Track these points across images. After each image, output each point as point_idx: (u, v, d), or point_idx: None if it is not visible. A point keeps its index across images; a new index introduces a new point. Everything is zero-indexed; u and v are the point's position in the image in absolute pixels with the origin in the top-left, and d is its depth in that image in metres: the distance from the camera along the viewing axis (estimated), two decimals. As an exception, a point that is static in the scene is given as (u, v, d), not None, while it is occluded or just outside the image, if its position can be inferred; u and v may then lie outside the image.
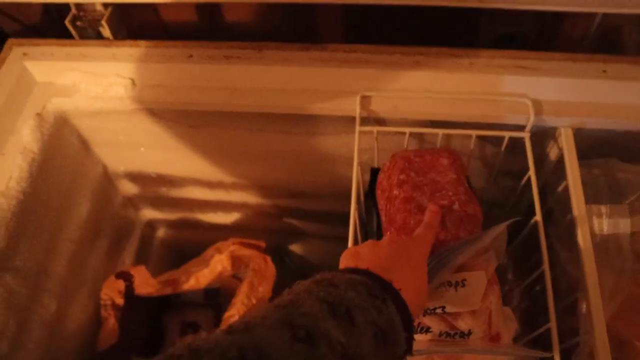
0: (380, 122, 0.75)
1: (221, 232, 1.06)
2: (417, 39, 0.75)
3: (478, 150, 0.79)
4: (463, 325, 0.59)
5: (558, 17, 0.78)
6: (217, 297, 1.12)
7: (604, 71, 0.71)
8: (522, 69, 0.72)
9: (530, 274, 0.70)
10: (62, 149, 0.82)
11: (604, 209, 0.65)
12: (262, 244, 0.94)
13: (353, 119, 0.72)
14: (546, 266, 0.63)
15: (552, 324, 0.60)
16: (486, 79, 0.72)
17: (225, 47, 0.76)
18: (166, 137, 0.84)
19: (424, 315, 0.60)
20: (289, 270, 1.20)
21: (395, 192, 0.67)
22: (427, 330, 0.59)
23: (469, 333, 0.59)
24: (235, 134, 0.81)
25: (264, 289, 0.90)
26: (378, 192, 0.71)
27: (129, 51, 0.78)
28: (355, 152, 0.70)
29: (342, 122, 0.77)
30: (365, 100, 0.73)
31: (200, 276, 0.97)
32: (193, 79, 0.76)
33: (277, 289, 0.93)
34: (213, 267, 0.96)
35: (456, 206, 0.66)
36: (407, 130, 0.72)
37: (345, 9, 0.80)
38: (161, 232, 1.21)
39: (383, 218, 0.69)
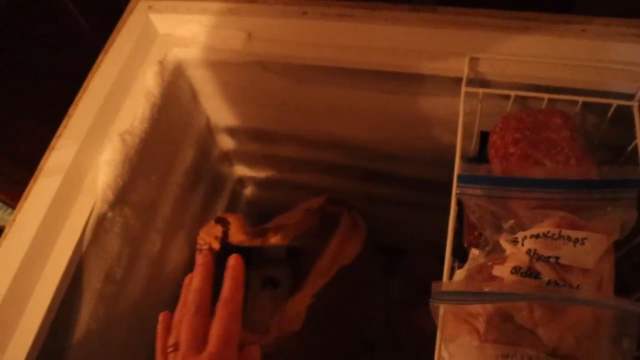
0: (485, 84, 0.76)
1: (307, 194, 1.10)
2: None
3: (581, 118, 0.80)
4: (574, 279, 0.61)
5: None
6: (298, 255, 1.16)
7: None
8: (637, 36, 0.72)
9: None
10: (177, 96, 0.88)
11: None
12: (353, 202, 0.98)
13: (460, 80, 0.75)
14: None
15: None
16: (597, 46, 0.72)
17: (338, 6, 0.79)
18: (274, 91, 0.88)
19: (536, 260, 0.62)
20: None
21: (512, 149, 0.70)
22: (537, 275, 0.61)
23: (577, 288, 0.61)
24: (342, 92, 0.85)
25: (353, 247, 0.93)
26: (491, 152, 0.73)
27: (246, 7, 0.82)
28: (461, 112, 0.73)
29: (448, 82, 0.79)
30: (473, 62, 0.74)
31: (287, 231, 1.01)
32: (306, 35, 0.80)
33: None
34: (302, 222, 1.00)
35: (572, 161, 0.68)
36: (513, 93, 0.74)
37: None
38: (249, 190, 1.26)
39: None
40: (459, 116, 0.73)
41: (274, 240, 1.03)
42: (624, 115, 0.72)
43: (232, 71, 0.86)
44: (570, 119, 0.71)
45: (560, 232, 0.63)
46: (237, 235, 0.99)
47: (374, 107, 0.87)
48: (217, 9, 0.83)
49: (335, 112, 0.92)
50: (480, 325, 0.64)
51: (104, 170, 0.74)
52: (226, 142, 1.08)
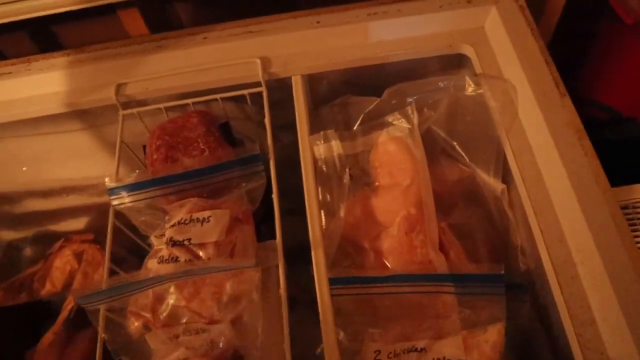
0: (143, 104, 0.85)
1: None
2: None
3: (235, 109, 0.90)
4: (204, 254, 0.70)
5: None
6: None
7: (318, 22, 0.83)
8: (251, 33, 0.83)
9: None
10: None
11: (320, 136, 0.76)
12: (90, 235, 1.04)
13: (116, 106, 0.83)
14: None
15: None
16: (219, 48, 0.83)
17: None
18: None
19: (172, 246, 0.70)
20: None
21: (155, 155, 0.78)
22: (176, 259, 0.70)
23: (209, 259, 0.69)
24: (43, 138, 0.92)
25: (99, 275, 1.00)
26: (147, 162, 0.81)
27: None
28: (119, 133, 0.81)
29: (109, 111, 0.87)
30: (121, 88, 0.83)
31: (55, 279, 1.06)
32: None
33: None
34: (62, 268, 1.05)
35: (207, 153, 0.77)
36: (162, 105, 0.83)
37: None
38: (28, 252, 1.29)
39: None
40: (123, 137, 0.81)
41: (45, 292, 1.07)
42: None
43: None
44: (207, 116, 0.81)
45: (191, 217, 0.71)
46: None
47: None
48: None
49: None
50: (149, 315, 0.72)
51: None
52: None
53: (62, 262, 1.05)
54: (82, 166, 1.03)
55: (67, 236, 1.05)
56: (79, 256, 1.04)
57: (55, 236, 1.20)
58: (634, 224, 0.85)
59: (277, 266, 0.69)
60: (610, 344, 0.57)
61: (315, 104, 0.88)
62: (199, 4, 1.21)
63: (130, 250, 0.92)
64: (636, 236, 0.84)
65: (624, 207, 0.86)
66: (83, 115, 0.89)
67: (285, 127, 0.90)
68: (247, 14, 0.85)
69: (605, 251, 0.61)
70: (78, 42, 0.90)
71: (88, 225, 1.16)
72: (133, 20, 1.11)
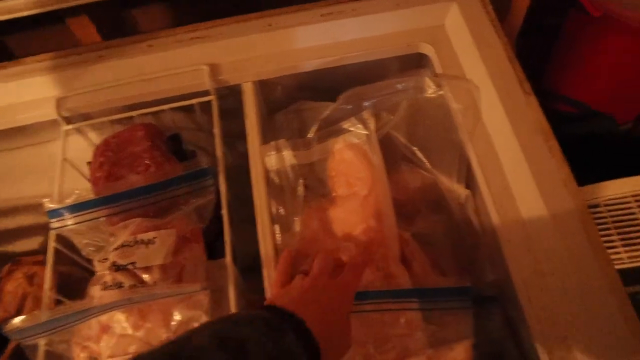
0: (88, 117, 0.80)
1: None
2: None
3: (185, 119, 0.85)
4: (149, 278, 0.65)
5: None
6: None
7: (269, 25, 0.78)
8: (198, 39, 0.78)
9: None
10: None
11: (272, 146, 0.71)
12: (41, 257, 0.98)
13: (57, 121, 0.78)
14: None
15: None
16: (164, 56, 0.78)
17: None
18: None
19: (116, 271, 0.65)
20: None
21: (98, 174, 0.73)
22: (120, 285, 0.65)
23: (155, 284, 0.65)
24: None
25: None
26: (91, 180, 0.76)
27: None
28: (61, 150, 0.76)
29: (49, 127, 0.81)
30: (62, 101, 0.78)
31: (7, 304, 1.00)
32: None
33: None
34: (14, 292, 0.99)
35: (152, 169, 0.72)
36: (107, 119, 0.78)
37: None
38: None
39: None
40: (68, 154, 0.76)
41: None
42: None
43: None
44: (152, 129, 0.76)
45: (135, 239, 0.67)
46: None
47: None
48: None
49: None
50: (95, 346, 0.67)
51: None
52: None
53: (14, 286, 0.99)
54: (31, 184, 0.98)
55: (15, 259, 0.99)
56: (30, 279, 0.99)
57: (5, 258, 1.14)
58: (605, 223, 0.82)
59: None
60: (583, 360, 0.53)
61: (270, 110, 0.84)
62: (157, 10, 1.16)
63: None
64: (606, 235, 0.80)
65: (594, 206, 0.83)
66: (26, 132, 0.83)
67: (241, 135, 0.85)
68: (209, 17, 0.81)
69: (575, 260, 0.58)
70: (28, 52, 0.85)
71: (41, 245, 1.10)
72: (83, 28, 1.06)
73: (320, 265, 0.55)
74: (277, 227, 0.68)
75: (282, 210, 0.69)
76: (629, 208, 0.83)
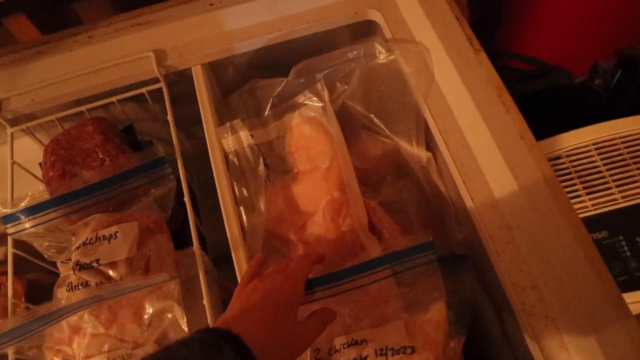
0: (31, 117, 0.77)
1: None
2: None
3: (137, 110, 0.83)
4: (115, 273, 0.63)
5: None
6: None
7: (211, 4, 0.76)
8: (140, 25, 0.76)
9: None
10: None
11: (226, 128, 0.70)
12: (4, 267, 0.95)
13: (0, 124, 0.75)
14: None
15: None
16: (106, 46, 0.76)
17: None
18: None
19: (80, 270, 0.63)
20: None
21: (51, 173, 0.71)
22: (86, 284, 0.63)
23: (122, 279, 0.63)
24: None
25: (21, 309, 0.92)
26: (44, 181, 0.74)
27: None
28: (9, 153, 0.73)
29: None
30: (4, 102, 0.75)
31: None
32: None
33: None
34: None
35: (107, 162, 0.70)
36: (54, 117, 0.75)
37: None
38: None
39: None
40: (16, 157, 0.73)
41: None
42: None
43: None
44: (104, 122, 0.74)
45: (96, 235, 0.65)
46: None
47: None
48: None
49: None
50: (67, 349, 0.65)
51: None
52: None
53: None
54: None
55: (-23, 271, 0.96)
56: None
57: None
58: (569, 173, 0.83)
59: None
60: (555, 305, 0.54)
61: (226, 92, 0.82)
62: (99, 1, 1.12)
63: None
64: (570, 186, 0.82)
65: (556, 158, 0.84)
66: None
67: (198, 121, 0.83)
68: (153, 2, 0.79)
69: (539, 212, 0.58)
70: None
71: (5, 255, 1.07)
72: (21, 28, 1.02)
73: (272, 268, 0.55)
74: (241, 209, 0.67)
75: (245, 192, 0.68)
76: (590, 157, 0.84)
